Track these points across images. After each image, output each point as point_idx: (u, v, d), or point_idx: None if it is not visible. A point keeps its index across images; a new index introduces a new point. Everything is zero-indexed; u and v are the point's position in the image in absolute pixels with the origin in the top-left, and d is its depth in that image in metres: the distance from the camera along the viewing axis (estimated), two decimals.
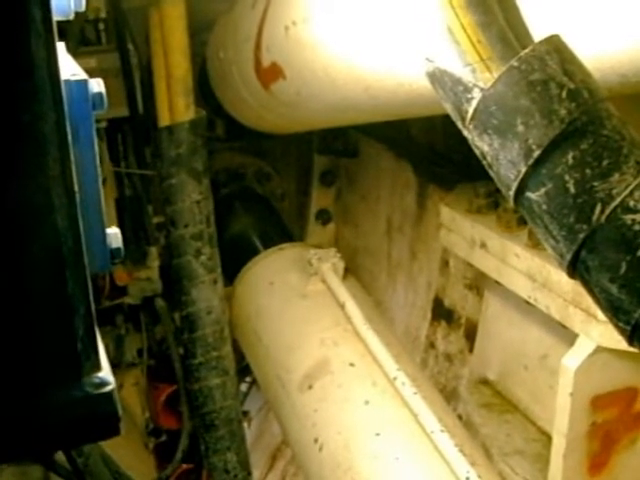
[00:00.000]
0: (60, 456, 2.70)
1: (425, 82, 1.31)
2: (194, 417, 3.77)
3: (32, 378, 1.04)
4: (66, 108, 0.95)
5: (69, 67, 1.08)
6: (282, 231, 4.27)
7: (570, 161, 1.10)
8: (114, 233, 1.18)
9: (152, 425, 4.29)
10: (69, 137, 0.96)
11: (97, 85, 1.07)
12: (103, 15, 3.48)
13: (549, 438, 2.55)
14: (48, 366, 1.04)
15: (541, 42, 1.16)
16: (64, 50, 1.18)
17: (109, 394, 1.06)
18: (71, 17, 1.13)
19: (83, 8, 1.14)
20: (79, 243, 1.00)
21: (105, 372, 1.07)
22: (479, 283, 3.17)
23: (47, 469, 2.96)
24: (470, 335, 3.27)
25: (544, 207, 1.13)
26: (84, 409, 1.06)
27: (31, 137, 0.93)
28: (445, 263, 3.40)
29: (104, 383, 1.06)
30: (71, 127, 0.97)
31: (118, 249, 1.18)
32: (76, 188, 0.98)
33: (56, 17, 0.99)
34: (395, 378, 2.85)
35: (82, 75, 1.05)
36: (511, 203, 1.19)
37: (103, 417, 1.07)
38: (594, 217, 1.09)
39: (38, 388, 1.04)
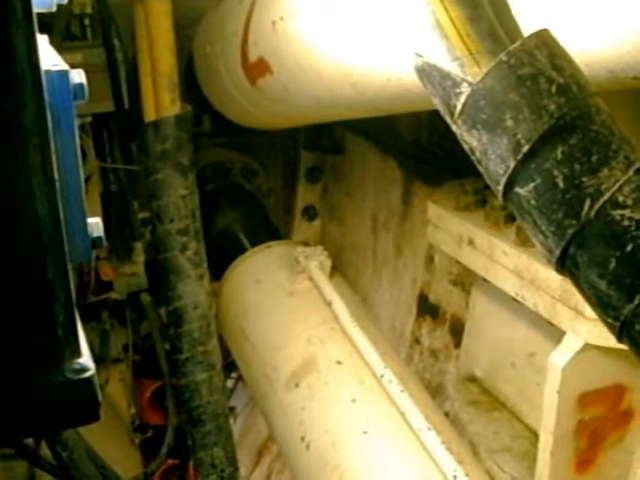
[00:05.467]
0: (45, 451, 2.68)
1: (413, 77, 1.30)
2: (181, 412, 3.76)
3: (12, 364, 1.04)
4: (47, 98, 0.96)
5: (50, 58, 1.08)
6: (268, 227, 4.27)
7: (559, 156, 1.09)
8: (95, 222, 1.18)
9: (138, 421, 4.28)
10: (50, 127, 0.97)
11: (78, 76, 1.07)
12: (89, 10, 3.46)
13: (536, 435, 2.55)
14: (28, 352, 1.05)
15: (530, 36, 1.15)
16: (46, 42, 1.18)
17: (89, 379, 1.07)
18: (53, 9, 1.13)
19: (66, 0, 1.14)
20: (59, 231, 1.01)
21: (85, 358, 1.08)
22: (464, 279, 3.17)
23: (32, 464, 2.95)
24: (455, 331, 3.27)
25: (533, 202, 1.12)
26: (64, 394, 1.07)
27: (12, 126, 0.94)
28: (430, 259, 3.41)
29: (84, 369, 1.07)
30: (52, 117, 0.98)
31: (99, 238, 1.18)
32: (56, 177, 0.99)
33: (38, 9, 0.99)
34: (382, 376, 2.84)
35: (63, 66, 1.06)
36: (500, 198, 1.18)
37: (83, 402, 1.08)
38: (583, 212, 1.08)
39: (18, 373, 1.05)
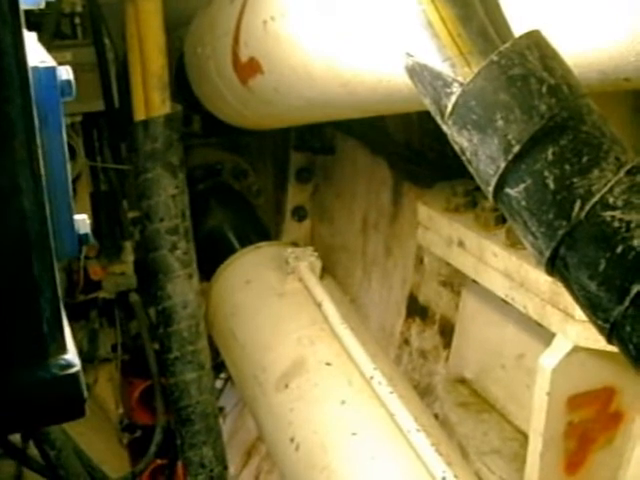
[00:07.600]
0: (33, 450, 2.68)
1: (403, 78, 1.30)
2: (170, 412, 3.76)
3: None
4: (34, 94, 0.96)
5: (38, 55, 1.08)
6: (258, 227, 4.28)
7: (550, 157, 1.09)
8: (82, 219, 1.19)
9: (126, 421, 4.28)
10: (36, 122, 0.97)
11: (66, 72, 1.07)
12: (79, 9, 3.47)
13: (526, 437, 2.55)
14: (14, 347, 1.05)
15: (521, 37, 1.14)
16: (34, 39, 1.18)
17: (75, 375, 1.07)
18: (42, 6, 1.12)
19: None
20: (45, 226, 1.02)
21: (71, 354, 1.09)
22: (454, 280, 3.17)
23: (20, 463, 2.94)
24: (444, 332, 3.27)
25: (523, 203, 1.12)
26: (50, 390, 1.07)
27: None
28: (420, 260, 3.40)
29: (70, 365, 1.07)
30: (39, 113, 0.98)
31: (86, 234, 1.19)
32: (43, 172, 0.99)
33: (26, 6, 0.99)
34: (371, 377, 2.84)
35: (50, 62, 1.05)
36: (490, 199, 1.18)
37: (68, 398, 1.09)
38: (573, 214, 1.07)
39: (3, 368, 1.05)
